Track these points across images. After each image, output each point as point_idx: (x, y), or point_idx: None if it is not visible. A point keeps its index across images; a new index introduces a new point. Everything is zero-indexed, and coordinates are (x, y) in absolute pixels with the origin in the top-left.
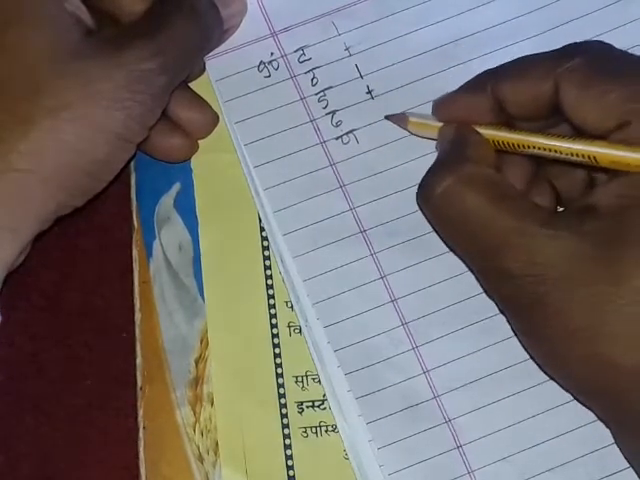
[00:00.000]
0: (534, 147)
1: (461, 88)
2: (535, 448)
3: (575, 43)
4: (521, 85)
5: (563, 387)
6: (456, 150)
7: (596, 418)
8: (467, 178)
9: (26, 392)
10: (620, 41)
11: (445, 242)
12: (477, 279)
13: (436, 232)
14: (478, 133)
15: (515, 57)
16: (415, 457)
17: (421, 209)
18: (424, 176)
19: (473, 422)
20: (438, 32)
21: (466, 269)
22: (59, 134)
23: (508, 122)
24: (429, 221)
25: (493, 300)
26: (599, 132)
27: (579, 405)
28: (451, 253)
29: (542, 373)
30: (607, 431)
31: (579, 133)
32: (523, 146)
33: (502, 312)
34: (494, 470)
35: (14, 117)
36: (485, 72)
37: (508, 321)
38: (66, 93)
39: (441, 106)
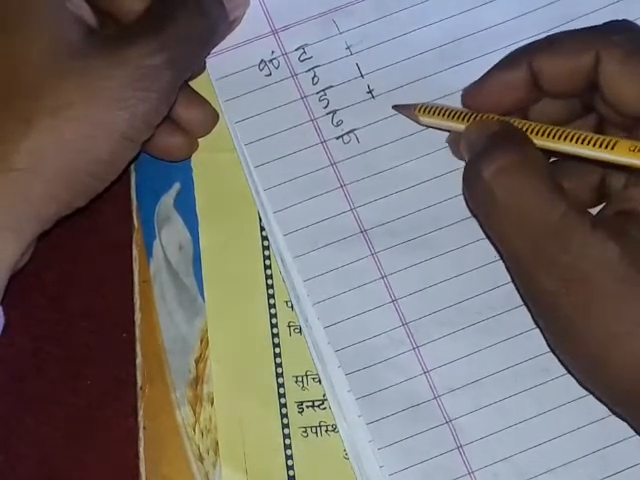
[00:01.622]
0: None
1: (493, 68)
2: (536, 449)
3: (615, 21)
4: (560, 57)
5: (595, 394)
6: (507, 134)
7: (597, 419)
8: (527, 158)
9: (26, 392)
10: None
11: (487, 227)
12: (514, 273)
13: (475, 217)
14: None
15: None
16: (415, 457)
17: (469, 189)
18: (473, 156)
19: (473, 422)
20: (439, 31)
21: (466, 269)
22: (60, 134)
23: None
24: (475, 203)
25: (527, 298)
26: (635, 113)
27: (580, 405)
28: (451, 253)
29: (542, 373)
30: (608, 431)
31: (604, 122)
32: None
33: (535, 321)
34: (494, 470)
35: (15, 117)
36: (520, 48)
37: (540, 325)
38: (68, 92)
39: (472, 90)
